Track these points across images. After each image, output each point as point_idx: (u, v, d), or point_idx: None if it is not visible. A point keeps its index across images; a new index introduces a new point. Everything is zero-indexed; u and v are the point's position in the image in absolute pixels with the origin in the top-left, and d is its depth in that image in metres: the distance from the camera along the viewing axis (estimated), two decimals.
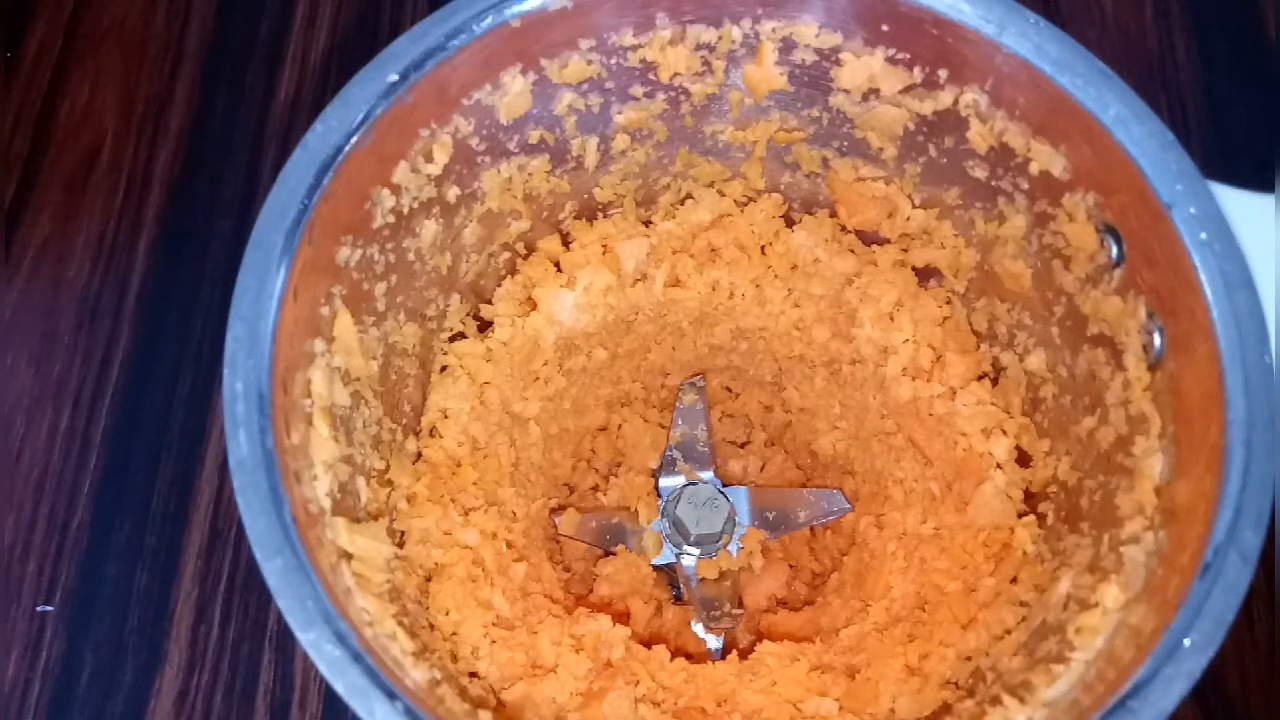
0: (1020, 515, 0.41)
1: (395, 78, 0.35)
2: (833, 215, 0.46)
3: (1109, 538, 0.35)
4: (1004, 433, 0.43)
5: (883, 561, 0.45)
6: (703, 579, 0.49)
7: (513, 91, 0.38)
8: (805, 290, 0.46)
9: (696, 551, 0.49)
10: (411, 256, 0.40)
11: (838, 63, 0.39)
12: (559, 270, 0.46)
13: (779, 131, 0.43)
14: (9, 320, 0.52)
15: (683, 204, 0.47)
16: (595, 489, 0.53)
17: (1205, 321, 0.31)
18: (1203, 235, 0.32)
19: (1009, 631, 0.38)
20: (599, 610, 0.44)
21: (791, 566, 0.52)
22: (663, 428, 0.53)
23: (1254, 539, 0.29)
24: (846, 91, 0.40)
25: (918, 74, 0.38)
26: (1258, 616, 0.45)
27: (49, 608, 0.47)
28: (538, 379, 0.46)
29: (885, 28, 0.37)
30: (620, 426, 0.53)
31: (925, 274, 0.45)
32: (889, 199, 0.44)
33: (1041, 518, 0.41)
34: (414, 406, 0.43)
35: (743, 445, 0.55)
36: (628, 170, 0.45)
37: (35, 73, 0.57)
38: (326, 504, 0.33)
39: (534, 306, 0.46)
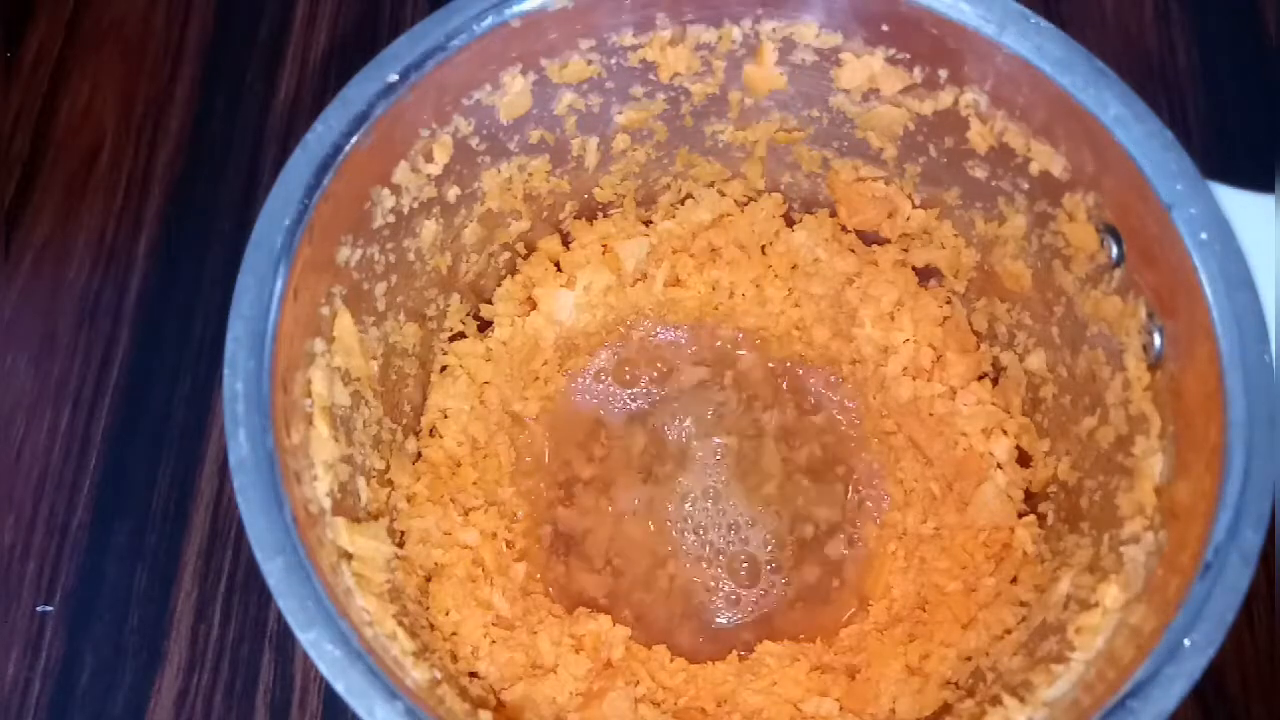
0: (1020, 515, 0.41)
1: (395, 78, 0.35)
2: (833, 215, 0.46)
3: (1109, 538, 0.35)
4: (1004, 433, 0.43)
5: (883, 561, 0.45)
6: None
7: (513, 91, 0.38)
8: (805, 290, 0.46)
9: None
10: (411, 256, 0.40)
11: (838, 63, 0.39)
12: (559, 270, 0.46)
13: (779, 131, 0.43)
14: (9, 320, 0.52)
15: (683, 204, 0.47)
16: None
17: (1205, 321, 0.31)
18: (1203, 235, 0.32)
19: (1009, 631, 0.38)
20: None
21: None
22: None
23: (1254, 539, 0.29)
24: (846, 91, 0.40)
25: (918, 74, 0.38)
26: (1258, 616, 0.45)
27: (49, 608, 0.47)
28: (538, 379, 0.46)
29: (885, 28, 0.37)
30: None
31: (925, 274, 0.45)
32: (889, 199, 0.44)
33: (1041, 518, 0.41)
34: (414, 406, 0.43)
35: None
36: (628, 170, 0.45)
37: (35, 73, 0.57)
38: (326, 504, 0.33)
39: (534, 306, 0.46)
